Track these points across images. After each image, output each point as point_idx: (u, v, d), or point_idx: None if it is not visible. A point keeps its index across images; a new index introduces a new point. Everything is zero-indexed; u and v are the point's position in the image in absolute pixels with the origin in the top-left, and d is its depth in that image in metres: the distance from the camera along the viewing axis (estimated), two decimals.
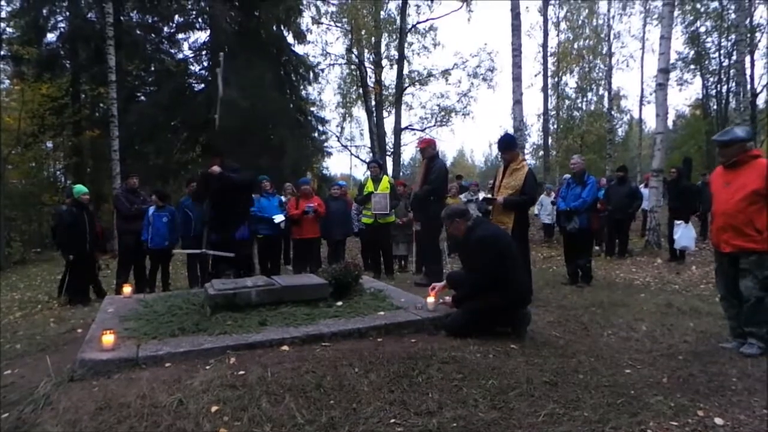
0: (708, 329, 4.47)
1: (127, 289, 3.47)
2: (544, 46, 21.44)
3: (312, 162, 22.48)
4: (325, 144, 24.74)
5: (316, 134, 24.00)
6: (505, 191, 5.50)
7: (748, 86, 20.32)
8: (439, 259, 7.21)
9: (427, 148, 6.84)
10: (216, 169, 5.49)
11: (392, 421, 2.65)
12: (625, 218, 9.35)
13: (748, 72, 19.85)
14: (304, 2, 20.47)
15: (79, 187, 7.05)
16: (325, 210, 7.95)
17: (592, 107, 28.65)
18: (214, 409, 2.75)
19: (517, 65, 11.85)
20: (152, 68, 21.15)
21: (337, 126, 24.95)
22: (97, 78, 18.73)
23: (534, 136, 28.65)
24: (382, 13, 21.19)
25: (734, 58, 21.36)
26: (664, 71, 9.76)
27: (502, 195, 5.51)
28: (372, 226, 7.71)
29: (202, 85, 21.85)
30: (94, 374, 3.17)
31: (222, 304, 4.12)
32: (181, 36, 21.55)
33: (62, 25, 20.13)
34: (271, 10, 17.48)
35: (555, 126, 27.55)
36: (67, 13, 19.87)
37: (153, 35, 21.15)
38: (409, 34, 21.92)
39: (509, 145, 5.69)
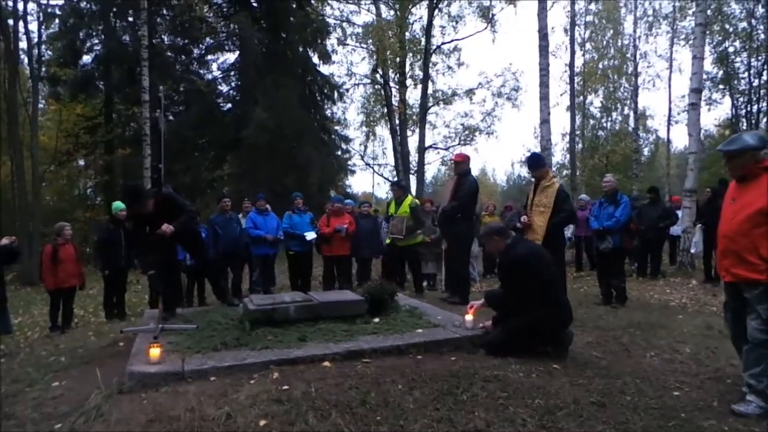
0: None
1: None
2: (571, 66, 21.40)
3: (336, 180, 22.72)
4: (349, 162, 25.06)
5: (339, 152, 24.31)
6: (537, 209, 5.48)
7: None
8: (468, 277, 7.15)
9: (462, 163, 6.73)
10: (168, 229, 4.58)
11: None
12: (658, 239, 9.20)
13: None
14: (331, 24, 20.81)
15: (117, 204, 7.20)
16: (355, 228, 7.99)
17: (617, 127, 28.51)
18: (262, 423, 2.76)
19: (544, 85, 11.86)
20: (181, 88, 21.74)
21: (361, 145, 25.15)
22: (129, 98, 19.33)
23: (558, 155, 28.54)
24: (407, 34, 21.42)
25: (764, 78, 21.09)
26: (697, 91, 9.67)
27: (534, 214, 5.50)
28: (393, 246, 7.69)
29: (229, 105, 22.38)
30: (142, 387, 3.22)
31: (261, 319, 4.16)
32: (210, 57, 22.22)
33: (97, 47, 20.87)
34: (300, 32, 17.82)
35: (580, 146, 27.39)
36: (103, 37, 20.57)
37: (183, 57, 21.78)
38: (433, 55, 22.13)
39: (538, 163, 5.69)
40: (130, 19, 20.71)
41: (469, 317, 4.24)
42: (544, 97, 11.95)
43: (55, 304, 6.85)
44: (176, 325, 4.35)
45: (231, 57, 22.12)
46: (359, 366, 3.56)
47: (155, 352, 3.42)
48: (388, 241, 7.77)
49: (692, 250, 8.70)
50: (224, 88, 22.43)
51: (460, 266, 6.88)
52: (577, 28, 23.28)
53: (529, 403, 3.03)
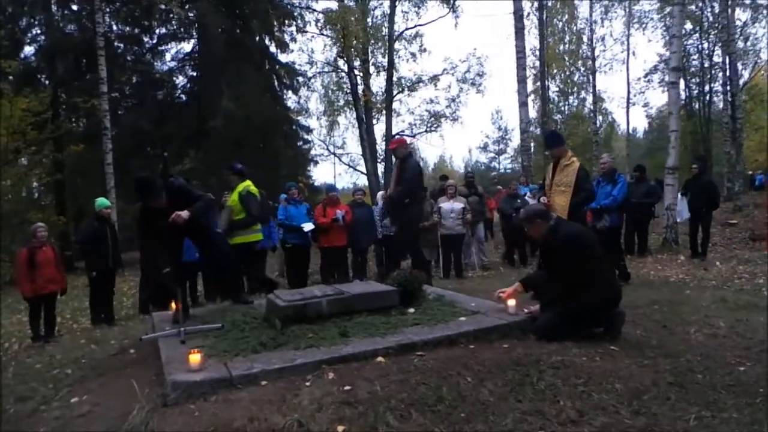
0: None
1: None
2: (541, 50, 21.65)
3: (302, 171, 22.21)
4: (312, 152, 24.51)
5: (301, 143, 23.72)
6: (558, 189, 5.38)
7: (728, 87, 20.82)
8: (424, 259, 6.99)
9: (399, 149, 6.58)
10: (183, 215, 4.12)
11: None
12: (645, 216, 9.34)
13: (727, 72, 20.24)
14: (293, 11, 20.20)
15: (102, 201, 6.67)
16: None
17: (574, 110, 29.22)
18: (340, 429, 2.52)
19: (521, 67, 11.87)
20: (134, 80, 20.64)
21: (322, 135, 24.71)
22: (78, 91, 18.20)
23: (518, 139, 28.99)
24: (369, 20, 21.09)
25: (715, 59, 21.92)
26: (677, 70, 9.87)
27: (554, 194, 5.40)
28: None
29: (183, 97, 21.37)
30: (188, 397, 2.89)
31: (293, 316, 3.87)
32: (163, 47, 21.12)
33: (41, 38, 19.52)
34: (262, 18, 17.18)
35: (539, 130, 27.88)
36: (45, 27, 19.25)
37: (135, 47, 20.67)
38: (396, 41, 21.91)
39: (557, 141, 5.59)
40: (75, 7, 19.52)
41: (512, 302, 4.08)
42: (522, 80, 11.97)
43: (35, 311, 6.29)
44: (199, 326, 3.99)
45: (186, 47, 21.23)
46: (415, 360, 3.33)
47: (196, 358, 3.09)
48: None
49: (678, 219, 8.87)
50: (180, 79, 21.52)
51: (416, 250, 6.75)
52: (536, 13, 23.53)
53: (610, 389, 2.89)
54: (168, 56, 21.41)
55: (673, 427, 2.51)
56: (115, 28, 20.31)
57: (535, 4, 22.29)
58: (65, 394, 3.41)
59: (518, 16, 11.83)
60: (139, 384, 3.23)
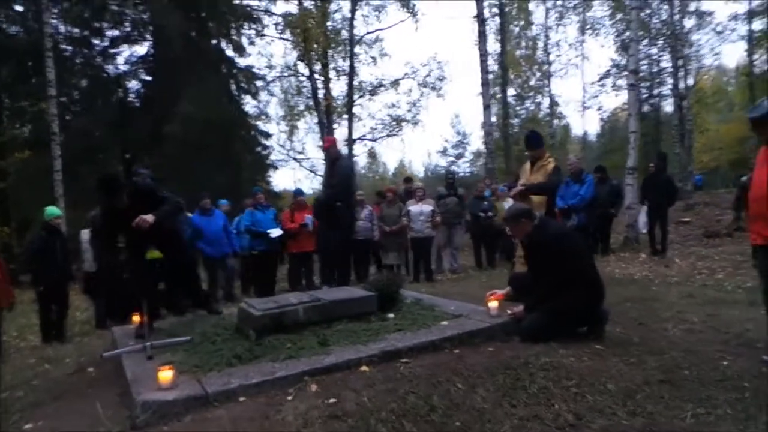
0: (755, 316, 4.45)
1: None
2: (502, 53, 21.98)
3: (263, 176, 21.76)
4: (271, 157, 24.02)
5: (260, 149, 23.21)
6: None
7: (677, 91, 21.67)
8: (348, 270, 6.92)
9: (331, 148, 6.52)
10: (148, 219, 3.85)
11: None
12: (607, 216, 9.50)
13: (679, 76, 21.03)
14: (253, 13, 19.82)
15: (52, 210, 6.24)
16: None
17: (531, 114, 29.80)
18: None
19: (484, 71, 11.95)
20: (84, 84, 19.79)
21: (281, 140, 24.26)
22: (24, 95, 17.34)
23: (475, 144, 29.49)
24: (329, 24, 20.89)
25: (663, 65, 22.79)
26: (635, 72, 10.14)
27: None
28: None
29: (137, 102, 20.60)
30: (160, 418, 2.66)
31: (270, 325, 3.67)
32: (115, 50, 20.33)
33: None
34: (221, 20, 16.74)
35: (497, 134, 28.31)
36: None
37: (85, 49, 19.83)
38: (356, 45, 21.79)
39: (537, 142, 5.58)
40: (19, 8, 18.57)
41: (493, 304, 4.00)
42: (485, 83, 12.05)
43: None
44: (167, 340, 3.73)
45: (140, 50, 20.47)
46: (401, 367, 3.20)
47: (166, 375, 2.85)
48: None
49: (642, 230, 9.08)
50: (134, 83, 20.73)
51: (341, 256, 6.70)
52: (494, 18, 23.88)
53: (603, 390, 2.84)
54: (120, 59, 20.69)
55: (671, 426, 2.46)
56: (63, 29, 19.48)
57: (494, 9, 22.59)
58: (17, 420, 3.11)
59: (480, 20, 11.93)
60: (103, 406, 2.98)
